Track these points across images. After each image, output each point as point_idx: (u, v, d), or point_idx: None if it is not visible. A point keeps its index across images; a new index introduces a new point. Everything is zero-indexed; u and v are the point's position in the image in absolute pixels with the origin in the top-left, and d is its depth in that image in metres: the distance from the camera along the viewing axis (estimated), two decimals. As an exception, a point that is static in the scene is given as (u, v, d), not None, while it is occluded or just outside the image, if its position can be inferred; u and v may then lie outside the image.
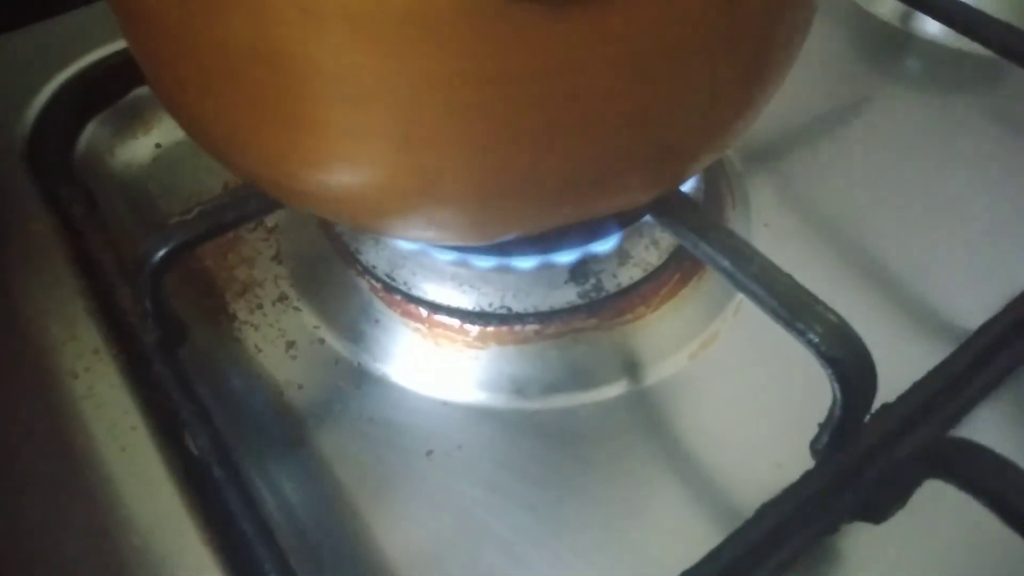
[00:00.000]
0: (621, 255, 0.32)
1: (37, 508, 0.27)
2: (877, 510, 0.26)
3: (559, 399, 0.31)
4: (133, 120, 0.41)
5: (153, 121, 0.41)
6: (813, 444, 0.26)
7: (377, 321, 0.32)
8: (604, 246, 0.31)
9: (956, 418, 0.29)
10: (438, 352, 0.32)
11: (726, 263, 0.26)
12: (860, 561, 0.27)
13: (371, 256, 0.32)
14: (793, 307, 0.25)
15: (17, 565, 0.25)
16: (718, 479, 0.29)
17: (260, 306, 0.34)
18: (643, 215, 0.31)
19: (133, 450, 0.28)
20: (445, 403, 0.31)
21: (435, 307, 0.32)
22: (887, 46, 0.46)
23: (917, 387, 0.28)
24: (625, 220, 0.31)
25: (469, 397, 0.31)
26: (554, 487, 0.29)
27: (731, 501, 0.28)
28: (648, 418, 0.30)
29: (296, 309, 0.34)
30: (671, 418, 0.30)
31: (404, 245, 0.32)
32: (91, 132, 0.40)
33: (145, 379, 0.29)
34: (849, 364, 0.24)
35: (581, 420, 0.31)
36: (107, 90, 0.41)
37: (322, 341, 0.33)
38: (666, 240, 0.33)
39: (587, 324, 0.31)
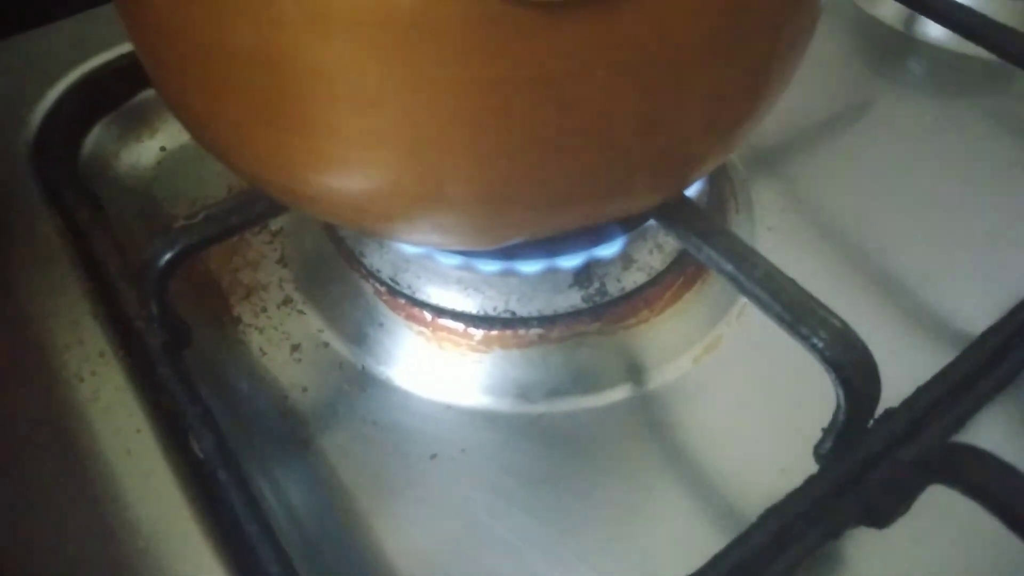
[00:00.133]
0: (625, 259, 0.32)
1: (43, 510, 0.27)
2: (881, 515, 0.26)
3: (563, 403, 0.31)
4: (138, 123, 0.41)
5: (158, 124, 0.41)
6: (817, 449, 0.26)
7: (381, 325, 0.32)
8: (608, 250, 0.31)
9: (960, 423, 0.29)
10: (442, 356, 0.32)
11: (730, 267, 0.26)
12: (863, 566, 0.27)
13: (375, 260, 0.32)
14: (797, 311, 0.25)
15: (23, 567, 0.26)
16: (721, 483, 0.29)
17: (264, 309, 0.34)
18: (647, 219, 0.31)
19: (138, 452, 0.28)
20: (449, 407, 0.31)
21: (439, 311, 0.32)
22: (890, 50, 0.46)
23: (921, 392, 0.28)
24: (629, 224, 0.31)
25: (473, 401, 0.31)
26: (557, 491, 0.29)
27: (734, 506, 0.28)
28: (651, 422, 0.31)
29: (300, 312, 0.34)
30: (674, 422, 0.31)
31: (408, 249, 0.32)
32: (96, 135, 0.40)
33: (150, 382, 0.30)
34: (853, 369, 0.24)
35: (584, 424, 0.31)
36: (112, 93, 0.41)
37: (326, 344, 0.33)
38: (670, 244, 0.33)
39: (591, 328, 0.32)
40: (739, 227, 0.36)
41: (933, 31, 0.45)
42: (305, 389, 0.32)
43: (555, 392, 0.31)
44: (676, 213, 0.28)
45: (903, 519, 0.25)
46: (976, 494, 0.22)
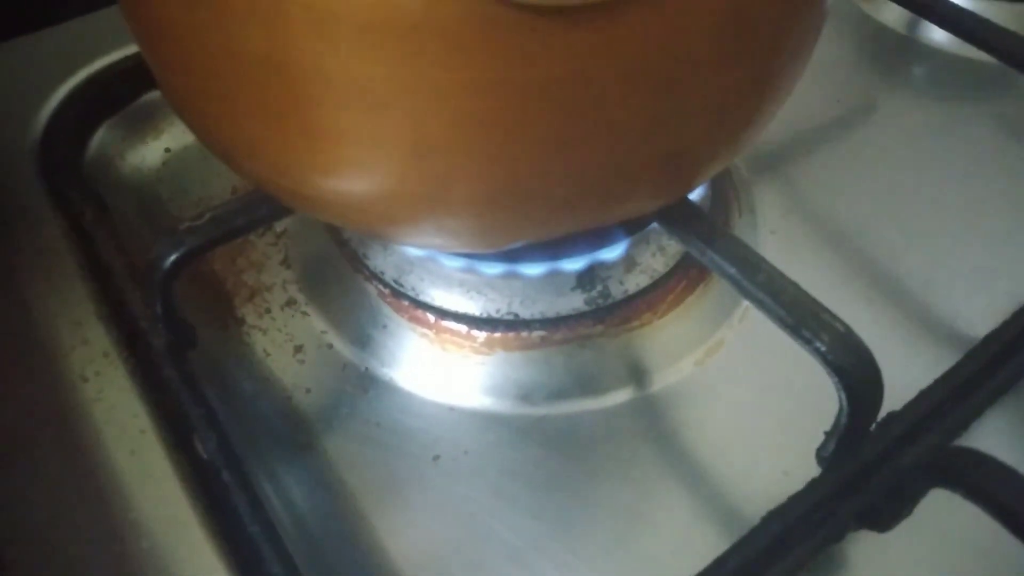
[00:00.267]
0: (628, 262, 0.32)
1: (47, 510, 0.27)
2: (883, 518, 0.26)
3: (565, 405, 0.31)
4: (143, 125, 0.41)
5: (163, 126, 0.41)
6: (819, 452, 0.26)
7: (385, 326, 0.33)
8: (611, 253, 0.32)
9: (962, 427, 0.29)
10: (445, 357, 0.32)
11: (732, 271, 0.26)
12: (865, 569, 0.27)
13: (379, 262, 0.33)
14: (799, 315, 0.25)
15: (27, 567, 0.26)
16: (724, 486, 0.29)
17: (268, 310, 0.35)
18: (650, 222, 0.31)
19: (142, 453, 0.28)
20: (452, 408, 0.31)
21: (442, 313, 0.32)
22: (894, 54, 0.46)
23: (923, 396, 0.28)
24: (632, 227, 0.31)
25: (476, 402, 0.31)
26: (560, 493, 0.29)
27: (737, 508, 0.28)
28: (654, 425, 0.31)
29: (304, 314, 0.34)
30: (677, 425, 0.31)
31: (412, 251, 0.32)
32: (101, 136, 0.40)
33: (154, 383, 0.30)
34: (855, 372, 0.24)
35: (587, 426, 0.31)
36: (118, 95, 0.41)
37: (330, 346, 0.33)
38: (673, 247, 0.33)
39: (593, 331, 0.32)
40: (742, 231, 0.36)
41: (936, 35, 0.45)
42: (309, 390, 0.32)
43: (557, 394, 0.31)
44: (679, 216, 0.28)
45: (905, 522, 0.26)
46: (978, 497, 0.22)
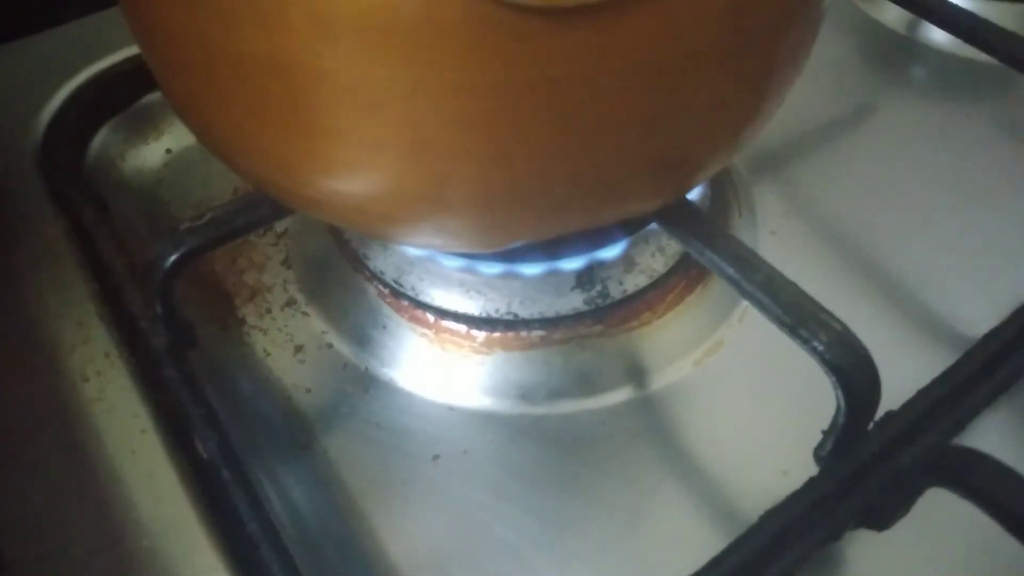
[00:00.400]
0: (627, 262, 0.32)
1: (47, 510, 0.27)
2: (880, 517, 0.26)
3: (564, 405, 0.31)
4: (144, 125, 0.41)
5: (164, 126, 0.42)
6: (817, 451, 0.26)
7: (384, 326, 0.33)
8: (610, 253, 0.32)
9: (960, 426, 0.29)
10: (445, 357, 0.32)
11: (731, 270, 0.26)
12: (863, 568, 0.27)
13: (379, 262, 0.33)
14: (797, 315, 0.25)
15: (27, 566, 0.26)
16: (722, 485, 0.29)
17: (269, 310, 0.35)
18: (649, 222, 0.31)
19: (143, 452, 0.28)
20: (451, 408, 0.31)
21: (442, 313, 0.32)
22: (893, 54, 0.46)
23: (921, 395, 0.28)
24: (631, 227, 0.31)
25: (475, 402, 0.31)
26: (559, 492, 0.29)
27: (735, 507, 0.28)
28: (653, 424, 0.31)
29: (304, 314, 0.34)
30: (676, 424, 0.31)
31: (412, 251, 0.32)
32: (103, 137, 0.41)
33: (155, 382, 0.30)
34: (853, 372, 0.24)
35: (586, 426, 0.31)
36: (119, 96, 0.41)
37: (330, 346, 0.33)
38: (672, 247, 0.33)
39: (593, 330, 0.32)
40: (741, 231, 0.36)
41: (936, 35, 0.45)
42: (308, 390, 0.32)
43: (557, 394, 0.31)
44: (678, 216, 0.28)
45: (903, 521, 0.26)
46: (975, 497, 0.22)
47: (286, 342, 0.34)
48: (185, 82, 0.23)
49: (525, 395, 0.31)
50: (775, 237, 0.37)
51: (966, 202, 0.38)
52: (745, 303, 0.31)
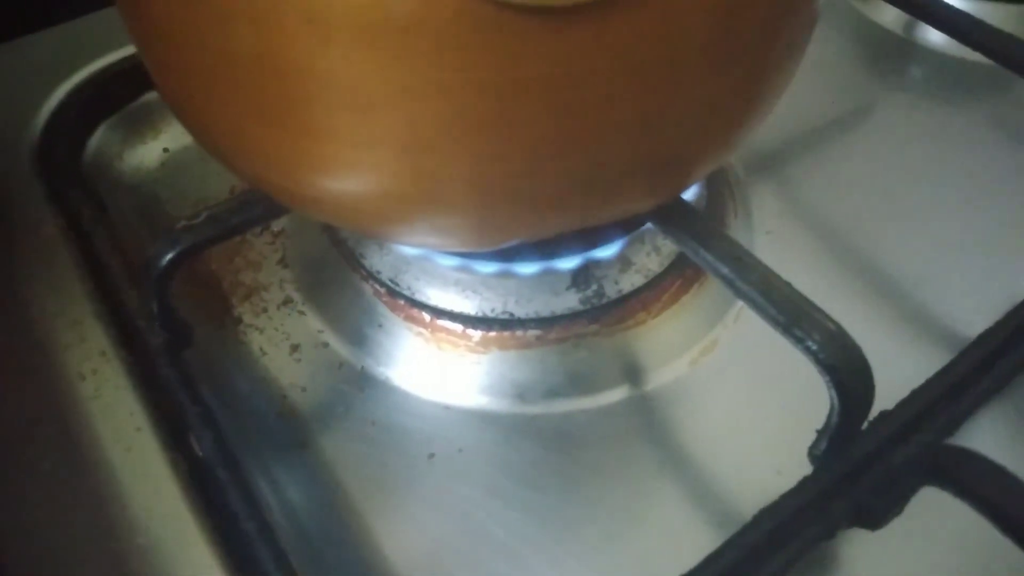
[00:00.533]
0: (623, 261, 0.32)
1: (43, 507, 0.27)
2: (874, 517, 0.26)
3: (560, 404, 0.31)
4: (142, 125, 0.42)
5: (162, 126, 0.42)
6: (811, 450, 0.26)
7: (380, 325, 0.33)
8: (606, 252, 0.32)
9: (954, 426, 0.29)
10: (440, 356, 0.32)
11: (725, 270, 0.26)
12: (856, 567, 0.27)
13: (375, 261, 0.33)
14: (792, 315, 0.25)
15: (23, 564, 0.26)
16: (717, 484, 0.29)
17: (265, 309, 0.35)
18: (645, 222, 0.31)
19: (139, 451, 0.28)
20: (447, 407, 0.31)
21: (438, 312, 0.32)
22: (890, 55, 0.46)
23: (915, 395, 0.28)
24: (627, 227, 0.31)
25: (471, 401, 0.31)
26: (554, 491, 0.29)
27: (729, 506, 0.28)
28: (648, 423, 0.31)
29: (301, 313, 0.34)
30: (671, 424, 0.31)
31: (407, 250, 0.32)
32: (100, 136, 0.41)
33: (151, 381, 0.30)
34: (847, 372, 0.24)
35: (581, 425, 0.31)
36: (116, 95, 0.41)
37: (326, 345, 0.33)
38: (667, 247, 0.33)
39: (588, 330, 0.32)
40: (737, 231, 0.36)
41: (932, 36, 0.45)
42: (304, 389, 0.32)
43: (552, 393, 0.31)
44: (673, 216, 0.28)
45: (896, 520, 0.26)
46: (969, 496, 0.22)
47: (282, 341, 0.34)
48: (181, 82, 0.24)
49: (521, 394, 0.31)
50: (770, 237, 0.37)
51: (961, 203, 0.38)
52: (740, 303, 0.31)
